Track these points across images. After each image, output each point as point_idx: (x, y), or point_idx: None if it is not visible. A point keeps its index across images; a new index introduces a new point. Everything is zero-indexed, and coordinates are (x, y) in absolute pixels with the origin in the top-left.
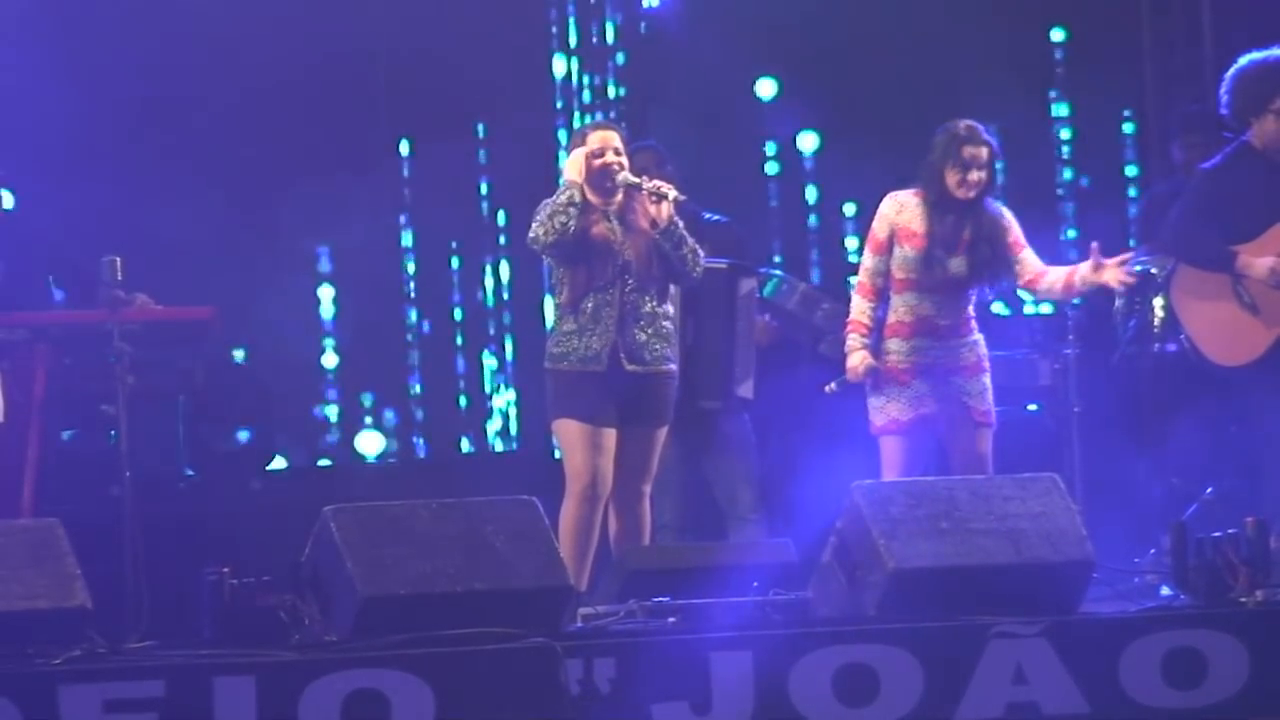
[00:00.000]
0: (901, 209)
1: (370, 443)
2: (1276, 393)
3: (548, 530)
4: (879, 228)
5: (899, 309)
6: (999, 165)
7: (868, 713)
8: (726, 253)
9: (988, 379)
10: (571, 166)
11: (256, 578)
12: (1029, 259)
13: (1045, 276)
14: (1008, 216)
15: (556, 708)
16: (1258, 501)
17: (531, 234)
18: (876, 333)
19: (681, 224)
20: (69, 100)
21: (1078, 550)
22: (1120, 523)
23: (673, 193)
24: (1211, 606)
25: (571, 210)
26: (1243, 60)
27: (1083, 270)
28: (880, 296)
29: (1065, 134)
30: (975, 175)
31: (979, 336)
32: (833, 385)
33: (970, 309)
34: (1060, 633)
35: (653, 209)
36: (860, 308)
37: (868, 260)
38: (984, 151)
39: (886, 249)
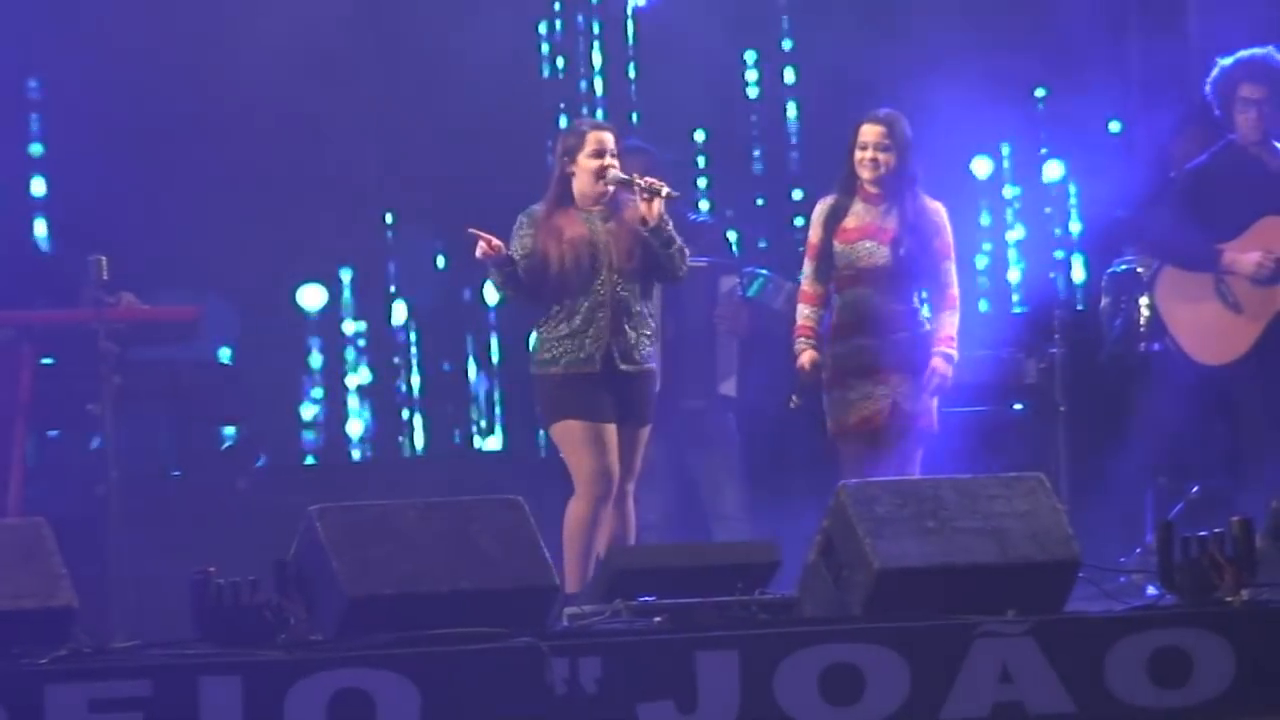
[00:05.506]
0: (832, 208)
1: (353, 427)
2: (1260, 390)
3: (533, 530)
4: (812, 233)
5: (855, 305)
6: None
7: (853, 712)
8: (711, 253)
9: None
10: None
11: (242, 577)
12: (944, 273)
13: (939, 312)
14: (942, 218)
15: (542, 707)
16: (1243, 500)
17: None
18: (824, 326)
19: (671, 223)
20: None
21: (1063, 549)
22: (1106, 522)
23: (665, 189)
24: (1197, 605)
25: (505, 290)
26: (1222, 60)
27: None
28: (822, 301)
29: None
30: (872, 155)
31: (928, 329)
32: (795, 400)
33: (916, 302)
34: (1046, 632)
35: (643, 206)
36: (804, 313)
37: (806, 267)
38: (877, 131)
39: (822, 252)
